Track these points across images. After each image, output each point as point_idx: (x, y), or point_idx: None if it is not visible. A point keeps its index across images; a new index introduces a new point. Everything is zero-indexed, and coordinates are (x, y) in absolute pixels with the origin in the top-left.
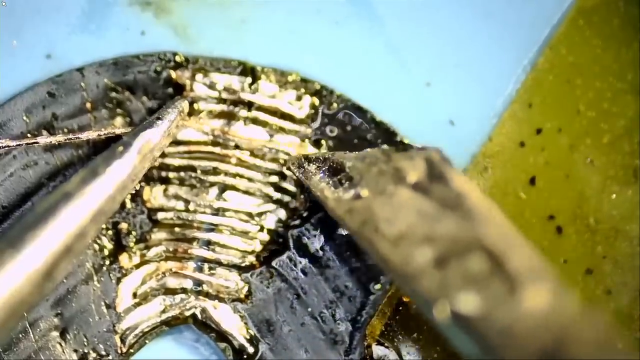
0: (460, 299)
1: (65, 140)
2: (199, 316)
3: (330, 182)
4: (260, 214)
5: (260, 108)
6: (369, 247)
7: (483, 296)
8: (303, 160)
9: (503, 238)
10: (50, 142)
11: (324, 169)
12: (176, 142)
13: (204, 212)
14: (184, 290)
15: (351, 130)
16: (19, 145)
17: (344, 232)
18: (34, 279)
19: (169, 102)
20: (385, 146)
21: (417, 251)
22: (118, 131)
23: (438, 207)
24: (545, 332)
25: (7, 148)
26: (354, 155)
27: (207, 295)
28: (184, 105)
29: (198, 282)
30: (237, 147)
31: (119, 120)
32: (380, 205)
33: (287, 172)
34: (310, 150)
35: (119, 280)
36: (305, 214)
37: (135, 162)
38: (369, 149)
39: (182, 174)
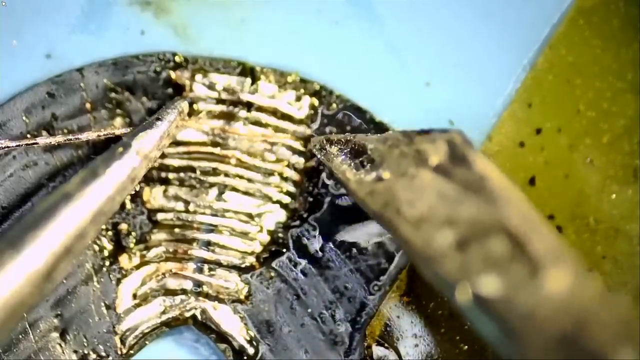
0: (482, 282)
1: (65, 140)
2: (199, 317)
3: (352, 164)
4: (260, 215)
5: (260, 109)
6: (390, 229)
7: (504, 279)
8: (325, 142)
9: (525, 221)
10: (50, 142)
11: (345, 151)
12: (176, 143)
13: (203, 213)
14: (184, 291)
15: (350, 130)
16: (18, 145)
17: (343, 234)
18: (34, 279)
19: (168, 103)
20: None
21: (439, 233)
22: (118, 132)
23: (460, 190)
24: (565, 316)
25: (6, 149)
26: (375, 137)
27: (207, 296)
28: (184, 105)
29: (198, 283)
30: (236, 147)
31: (118, 121)
32: (401, 188)
33: (288, 172)
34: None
35: (118, 281)
36: (305, 215)
37: (134, 163)
38: (390, 131)
39: (181, 174)
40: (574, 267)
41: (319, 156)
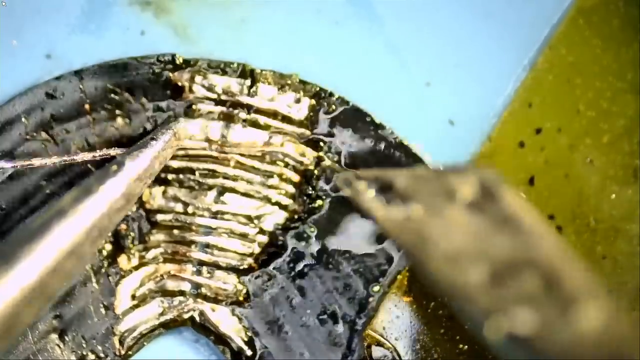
0: (515, 319)
1: (60, 162)
2: (197, 319)
3: (381, 199)
4: (258, 217)
5: (259, 111)
6: (420, 265)
7: (537, 315)
8: (352, 178)
9: (557, 257)
10: (46, 163)
11: (373, 186)
12: None
13: (202, 215)
14: (182, 293)
15: (350, 131)
16: (14, 167)
17: (342, 235)
18: (27, 294)
19: (163, 123)
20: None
21: (471, 270)
22: (112, 152)
23: (491, 226)
24: (600, 353)
25: (1, 170)
26: (404, 173)
27: (206, 297)
28: (179, 127)
29: (196, 285)
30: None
31: (118, 121)
32: (432, 224)
33: (287, 174)
34: (309, 152)
35: (117, 282)
36: (303, 217)
37: (128, 181)
38: (419, 168)
39: (181, 176)
40: (606, 302)
41: (346, 192)
